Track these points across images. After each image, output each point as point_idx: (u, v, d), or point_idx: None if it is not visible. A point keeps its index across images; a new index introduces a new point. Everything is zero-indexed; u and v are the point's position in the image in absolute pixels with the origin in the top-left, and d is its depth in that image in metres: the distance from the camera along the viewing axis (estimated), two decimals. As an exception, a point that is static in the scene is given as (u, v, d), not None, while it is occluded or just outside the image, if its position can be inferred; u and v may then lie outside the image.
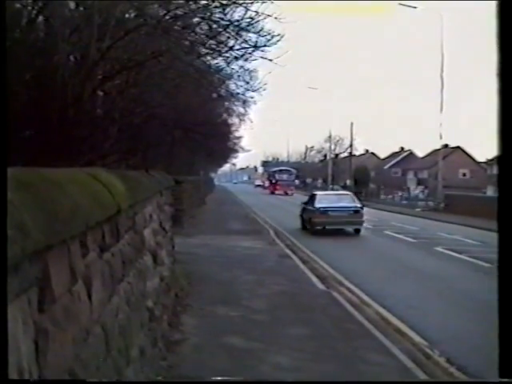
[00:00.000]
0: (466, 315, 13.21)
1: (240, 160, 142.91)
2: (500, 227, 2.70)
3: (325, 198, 32.68)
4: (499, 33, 2.47)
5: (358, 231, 31.28)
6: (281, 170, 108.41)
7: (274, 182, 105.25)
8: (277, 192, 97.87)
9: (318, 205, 30.98)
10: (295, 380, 7.67)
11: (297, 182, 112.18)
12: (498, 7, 2.48)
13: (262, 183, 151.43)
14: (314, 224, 30.77)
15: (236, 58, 11.78)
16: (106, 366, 3.98)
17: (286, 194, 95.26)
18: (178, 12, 10.04)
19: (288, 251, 22.21)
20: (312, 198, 33.14)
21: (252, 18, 9.91)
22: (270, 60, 11.38)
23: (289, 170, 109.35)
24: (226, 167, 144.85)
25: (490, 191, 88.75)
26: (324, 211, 30.47)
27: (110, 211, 4.31)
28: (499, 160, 2.65)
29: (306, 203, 33.38)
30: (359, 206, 31.98)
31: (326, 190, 73.82)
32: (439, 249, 24.81)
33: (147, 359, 6.36)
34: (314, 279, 16.13)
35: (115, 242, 4.78)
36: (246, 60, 11.96)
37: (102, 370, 3.83)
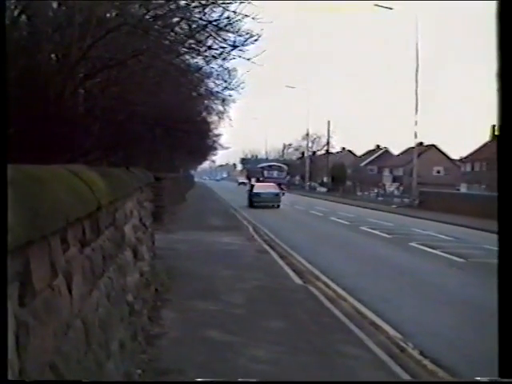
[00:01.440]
0: (439, 309, 13.41)
1: (219, 157, 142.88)
2: (500, 227, 2.76)
3: (259, 187, 55.38)
4: (499, 33, 2.50)
5: (278, 206, 51.67)
6: (270, 166, 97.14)
7: (261, 179, 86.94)
8: None
9: (254, 191, 53.23)
10: (300, 380, 7.76)
11: (287, 179, 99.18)
12: (498, 7, 2.52)
13: (246, 180, 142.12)
14: (253, 202, 51.59)
15: (214, 57, 11.88)
16: (86, 359, 4.02)
17: None
18: (158, 12, 10.14)
19: (266, 246, 22.33)
20: (252, 186, 56.33)
21: (230, 18, 10.03)
22: (248, 59, 11.51)
23: (279, 166, 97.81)
24: (206, 164, 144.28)
25: (464, 188, 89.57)
26: (258, 194, 52.18)
27: (91, 207, 4.39)
28: (499, 160, 2.71)
29: (250, 190, 55.31)
30: (278, 192, 54.41)
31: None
32: (414, 244, 25.08)
33: (127, 353, 6.47)
34: (292, 274, 16.26)
35: (95, 238, 4.84)
36: (224, 59, 12.09)
37: (82, 363, 3.86)
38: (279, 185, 79.60)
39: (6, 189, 2.20)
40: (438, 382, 8.47)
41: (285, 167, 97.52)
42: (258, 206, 49.66)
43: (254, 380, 7.41)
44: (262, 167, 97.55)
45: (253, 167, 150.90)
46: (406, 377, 8.36)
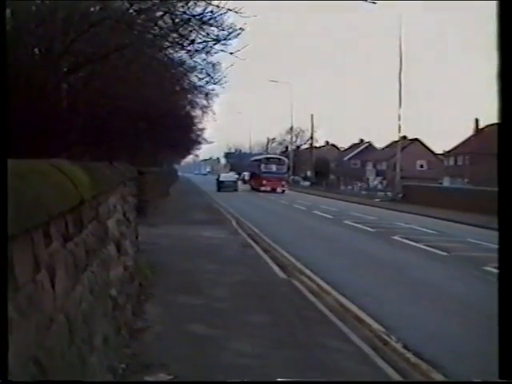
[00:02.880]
0: (422, 303, 13.49)
1: (203, 151, 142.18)
2: (500, 226, 2.73)
3: (223, 177, 78.68)
4: (499, 33, 2.50)
5: (235, 190, 72.09)
6: (268, 159, 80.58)
7: (258, 174, 76.77)
8: (262, 188, 72.51)
9: (220, 179, 75.75)
10: (302, 380, 7.79)
11: (288, 174, 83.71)
12: (498, 7, 2.52)
13: (237, 175, 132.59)
14: (220, 188, 72.06)
15: (197, 51, 11.89)
16: (70, 353, 4.02)
17: (274, 190, 71.77)
18: (142, 6, 10.13)
19: (250, 241, 22.34)
20: (218, 177, 78.05)
21: (213, 12, 10.03)
22: (231, 53, 11.53)
23: (279, 159, 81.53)
24: (190, 158, 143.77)
25: (447, 182, 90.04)
26: (222, 182, 74.45)
27: (73, 202, 4.38)
28: (499, 160, 2.69)
29: (217, 180, 76.89)
30: (235, 179, 78.90)
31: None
32: (397, 238, 25.22)
33: (111, 347, 6.47)
34: (275, 268, 16.28)
35: (78, 232, 4.83)
36: (207, 53, 12.10)
37: (66, 357, 3.86)
38: (279, 181, 73.95)
39: (5, 188, 2.19)
40: (439, 382, 8.50)
41: (285, 160, 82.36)
42: (223, 190, 71.38)
43: (254, 380, 7.43)
44: (258, 160, 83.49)
45: (243, 160, 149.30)
46: (389, 370, 8.41)
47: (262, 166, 76.76)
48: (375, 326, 11.02)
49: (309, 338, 9.70)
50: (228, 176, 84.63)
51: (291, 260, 18.31)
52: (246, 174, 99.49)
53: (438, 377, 8.43)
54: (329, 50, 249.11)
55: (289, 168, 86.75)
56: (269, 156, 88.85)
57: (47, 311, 3.50)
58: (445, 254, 20.67)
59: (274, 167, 76.56)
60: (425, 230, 29.58)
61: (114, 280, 7.42)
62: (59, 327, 3.79)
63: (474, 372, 8.81)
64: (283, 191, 72.35)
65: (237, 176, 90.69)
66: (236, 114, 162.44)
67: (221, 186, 74.66)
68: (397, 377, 8.13)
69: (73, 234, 4.55)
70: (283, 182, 75.20)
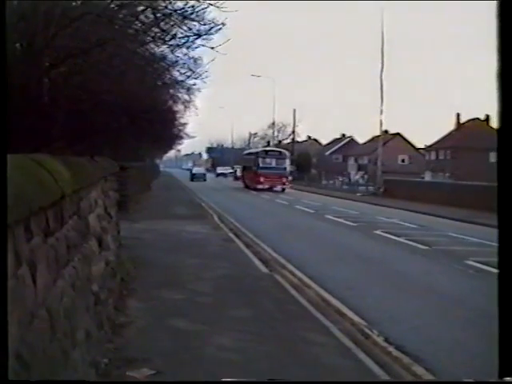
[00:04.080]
0: (403, 296, 13.57)
1: (185, 146, 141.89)
2: (500, 224, 2.72)
3: (195, 171, 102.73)
4: (499, 33, 2.48)
5: (204, 180, 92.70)
6: (267, 152, 69.12)
7: (254, 170, 64.91)
8: (259, 186, 62.41)
9: (193, 172, 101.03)
10: (302, 380, 7.79)
11: (290, 170, 69.13)
12: (498, 7, 2.49)
13: (226, 171, 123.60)
14: (192, 179, 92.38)
15: (178, 46, 11.89)
16: (51, 348, 4.04)
17: (271, 188, 62.59)
18: (124, 1, 10.12)
19: (232, 235, 22.34)
20: (191, 170, 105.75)
21: (194, 7, 10.03)
22: (212, 48, 11.53)
23: (279, 152, 69.33)
24: (172, 153, 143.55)
25: (428, 176, 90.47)
26: (194, 174, 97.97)
27: (54, 197, 4.38)
28: (499, 160, 2.58)
29: (190, 171, 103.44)
30: (204, 172, 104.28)
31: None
32: (378, 232, 25.31)
33: (93, 342, 6.48)
34: (257, 262, 16.30)
35: (59, 227, 4.83)
36: (188, 48, 12.10)
37: (47, 352, 3.89)
38: (280, 178, 63.33)
39: (5, 187, 2.19)
40: (438, 382, 8.52)
41: (286, 153, 69.40)
42: (195, 180, 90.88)
43: (254, 380, 7.46)
44: (254, 153, 71.31)
45: (225, 154, 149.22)
46: (371, 363, 8.45)
47: (260, 160, 65.05)
48: (357, 319, 11.06)
49: (291, 332, 9.74)
50: (198, 169, 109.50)
51: (273, 254, 18.34)
52: (238, 170, 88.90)
53: (419, 370, 8.46)
54: (311, 45, 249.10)
55: (292, 162, 73.42)
56: (268, 149, 77.83)
57: (29, 306, 3.51)
58: (426, 247, 20.78)
59: (273, 162, 65.08)
60: (406, 224, 29.72)
61: (96, 275, 7.42)
62: (41, 322, 3.80)
63: (454, 364, 8.89)
64: (283, 189, 63.10)
65: (204, 170, 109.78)
66: (218, 109, 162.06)
67: (193, 177, 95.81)
68: (377, 369, 8.17)
69: (54, 229, 4.55)
70: (284, 179, 64.33)
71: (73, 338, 5.06)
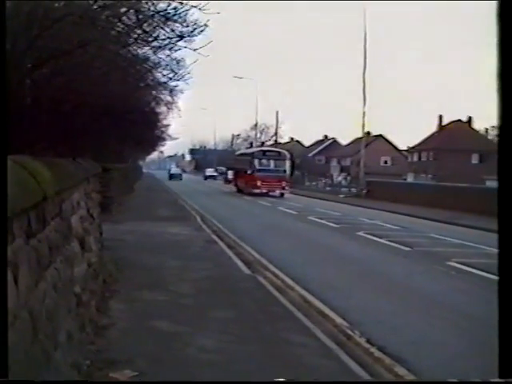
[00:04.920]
0: (385, 297, 13.62)
1: (168, 148, 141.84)
2: (500, 226, 2.71)
3: (173, 171, 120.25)
4: (499, 33, 2.50)
5: (180, 179, 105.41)
6: (264, 153, 61.01)
7: (250, 172, 57.48)
8: (256, 190, 55.42)
9: (171, 172, 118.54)
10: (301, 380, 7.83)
11: (288, 172, 59.18)
12: (498, 7, 2.51)
13: (215, 173, 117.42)
14: (170, 178, 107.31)
15: (160, 48, 11.89)
16: (33, 349, 4.06)
17: (267, 193, 55.93)
18: (106, 1, 10.10)
19: (214, 237, 22.30)
20: (169, 170, 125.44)
21: (176, 8, 10.04)
22: (195, 50, 11.54)
23: (278, 153, 61.67)
24: (154, 155, 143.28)
25: (411, 178, 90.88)
26: (172, 174, 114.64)
27: (36, 198, 4.38)
28: (499, 160, 2.67)
29: (169, 172, 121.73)
30: (181, 172, 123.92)
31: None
32: (361, 233, 25.40)
33: (75, 343, 6.48)
34: (240, 264, 16.30)
35: (42, 229, 4.83)
36: (170, 49, 12.10)
37: (29, 353, 3.90)
38: (279, 181, 56.27)
39: (5, 185, 2.20)
40: (439, 382, 8.56)
41: (286, 153, 61.18)
42: (172, 179, 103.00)
43: (254, 380, 7.47)
44: (250, 154, 62.91)
45: (207, 156, 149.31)
46: (353, 364, 8.48)
47: (256, 161, 57.69)
48: (339, 320, 11.09)
49: (273, 333, 9.76)
50: (176, 169, 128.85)
51: (256, 256, 18.35)
52: (230, 173, 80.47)
53: (401, 370, 8.49)
54: (294, 46, 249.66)
55: (293, 164, 62.80)
56: (265, 148, 70.60)
57: (11, 308, 3.47)
58: (408, 249, 20.88)
59: (271, 163, 57.95)
60: (388, 225, 29.84)
61: (78, 277, 7.42)
62: (23, 324, 3.80)
63: (436, 365, 8.95)
64: (282, 194, 56.76)
65: (180, 171, 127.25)
66: (201, 110, 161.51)
67: (171, 176, 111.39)
68: (359, 370, 8.21)
69: (36, 231, 4.55)
70: (283, 183, 57.13)
71: (54, 340, 5.06)
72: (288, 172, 58.71)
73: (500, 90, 2.53)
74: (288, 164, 58.87)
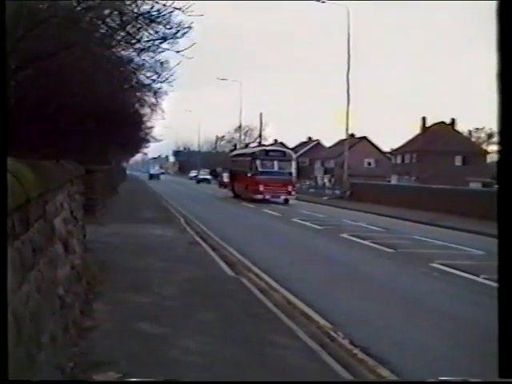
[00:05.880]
0: (369, 298, 13.67)
1: (152, 149, 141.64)
2: (500, 228, 2.73)
3: (152, 172, 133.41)
4: (499, 33, 2.48)
5: (159, 178, 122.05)
6: (267, 152, 53.28)
7: (250, 175, 50.31)
8: (258, 196, 48.46)
9: (150, 173, 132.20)
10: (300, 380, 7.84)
11: (294, 174, 51.75)
12: (498, 7, 2.48)
13: (209, 176, 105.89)
14: (150, 178, 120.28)
15: (144, 50, 11.91)
16: (17, 351, 4.06)
17: (266, 199, 48.35)
18: (90, 3, 10.10)
19: (198, 239, 22.27)
20: (148, 171, 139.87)
21: (160, 11, 10.07)
22: (178, 52, 11.58)
23: (283, 152, 55.34)
24: (138, 157, 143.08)
25: (394, 180, 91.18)
26: (152, 175, 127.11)
27: (19, 200, 4.38)
28: (499, 160, 2.63)
29: (148, 173, 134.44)
30: (160, 173, 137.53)
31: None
32: (345, 235, 25.46)
33: (59, 345, 6.47)
34: (224, 266, 16.30)
35: (25, 231, 4.82)
36: (154, 51, 12.13)
37: (13, 355, 3.90)
38: (284, 185, 49.10)
39: (5, 183, 2.21)
40: (439, 382, 8.57)
41: (291, 153, 55.58)
42: (152, 179, 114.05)
43: (254, 380, 7.48)
44: (250, 154, 54.75)
45: (191, 158, 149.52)
46: (336, 365, 8.50)
47: (258, 162, 50.36)
48: (322, 322, 11.12)
49: (256, 334, 9.78)
50: (155, 170, 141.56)
51: (239, 257, 18.37)
52: (225, 176, 72.36)
53: (384, 372, 8.54)
54: (278, 48, 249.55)
55: (298, 165, 57.57)
56: (268, 148, 62.38)
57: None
58: (392, 250, 20.96)
59: (276, 164, 50.55)
60: (372, 227, 29.95)
61: (62, 279, 7.40)
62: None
63: (419, 366, 9.00)
64: (287, 200, 49.24)
65: (159, 172, 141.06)
66: (185, 112, 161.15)
67: (151, 176, 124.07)
68: (342, 371, 8.23)
69: (19, 233, 4.54)
70: (289, 188, 49.70)
71: (38, 342, 5.05)
72: (294, 174, 51.73)
73: (500, 90, 2.53)
74: (294, 165, 52.13)
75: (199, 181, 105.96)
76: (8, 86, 2.29)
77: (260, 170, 49.65)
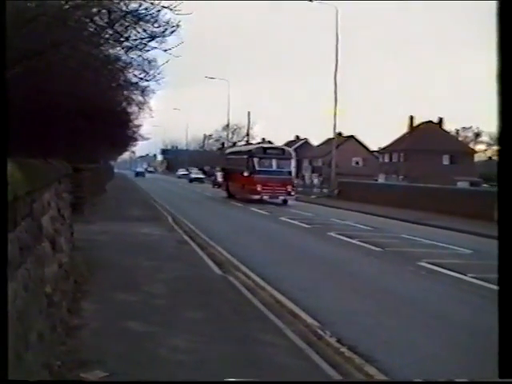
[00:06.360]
0: (356, 297, 13.70)
1: (139, 148, 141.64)
2: (500, 228, 2.72)
3: (137, 170, 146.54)
4: (499, 33, 2.51)
5: (144, 176, 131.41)
6: (265, 150, 50.46)
7: (247, 174, 47.34)
8: (255, 196, 45.82)
9: (136, 170, 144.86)
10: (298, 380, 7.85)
11: (293, 174, 50.95)
12: (498, 7, 2.53)
13: (202, 175, 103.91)
14: (136, 175, 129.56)
15: (131, 48, 11.89)
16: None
17: (263, 200, 45.94)
18: (78, 1, 10.08)
19: (186, 237, 22.24)
20: (135, 170, 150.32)
21: (148, 9, 10.07)
22: (165, 50, 11.58)
23: (283, 150, 51.79)
24: (126, 155, 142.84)
25: (382, 179, 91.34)
26: (137, 173, 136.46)
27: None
28: (499, 160, 2.68)
29: (134, 171, 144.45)
30: (144, 170, 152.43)
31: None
32: (332, 234, 25.48)
33: (46, 344, 6.47)
34: (212, 264, 16.30)
35: (12, 229, 4.83)
36: (141, 50, 12.12)
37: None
38: (283, 185, 46.53)
39: (5, 182, 2.21)
40: (438, 382, 8.57)
41: (290, 151, 52.31)
42: (137, 177, 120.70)
43: (254, 380, 7.48)
44: (247, 152, 51.83)
45: (179, 156, 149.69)
46: (323, 364, 8.52)
47: (256, 161, 47.61)
48: (310, 320, 11.12)
49: (244, 333, 9.79)
50: (140, 169, 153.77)
51: (227, 256, 18.35)
52: (219, 175, 69.84)
53: (372, 370, 8.54)
54: (265, 47, 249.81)
55: (298, 164, 53.50)
56: (266, 145, 58.81)
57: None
58: (379, 249, 20.99)
59: (274, 163, 47.82)
60: (360, 226, 29.99)
61: (49, 277, 7.39)
62: (-7, 324, 3.78)
63: (407, 364, 9.03)
64: (286, 201, 46.96)
65: (143, 170, 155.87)
66: (173, 111, 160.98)
67: (137, 174, 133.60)
68: (330, 370, 8.25)
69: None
70: (289, 187, 47.10)
71: (26, 341, 5.05)
72: (293, 174, 50.14)
73: (500, 90, 2.54)
74: (293, 164, 50.10)
75: (191, 180, 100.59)
76: (7, 87, 2.31)
77: (258, 168, 46.99)
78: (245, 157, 49.27)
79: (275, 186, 45.92)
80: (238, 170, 49.83)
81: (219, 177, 68.43)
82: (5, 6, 2.41)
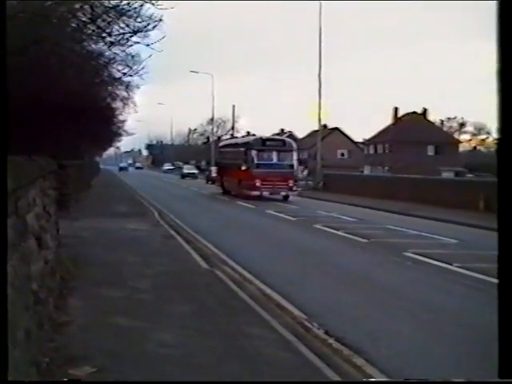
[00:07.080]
0: (343, 289, 13.77)
1: (124, 143, 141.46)
2: (500, 225, 2.71)
3: (121, 165, 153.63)
4: (499, 33, 2.51)
5: (127, 171, 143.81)
6: (264, 142, 45.88)
7: (245, 168, 43.50)
8: (254, 193, 42.90)
9: (120, 166, 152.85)
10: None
11: (295, 167, 45.76)
12: (498, 7, 2.52)
13: (194, 170, 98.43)
14: (120, 170, 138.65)
15: (113, 43, 11.87)
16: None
17: (263, 196, 43.39)
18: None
19: (172, 232, 22.27)
20: (119, 165, 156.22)
21: (130, 3, 10.05)
22: (147, 45, 11.57)
23: (283, 142, 48.14)
24: (111, 151, 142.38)
25: (367, 170, 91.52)
26: (121, 168, 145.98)
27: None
28: (499, 160, 2.68)
29: (118, 166, 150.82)
30: (128, 165, 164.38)
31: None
32: (318, 226, 25.55)
33: (33, 341, 6.46)
34: (198, 258, 16.30)
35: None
36: (123, 45, 12.09)
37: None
38: (284, 179, 43.13)
39: (5, 187, 2.22)
40: (439, 382, 8.59)
41: (292, 143, 47.82)
42: (121, 171, 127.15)
43: (254, 380, 7.49)
44: (244, 144, 48.02)
45: (164, 151, 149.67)
46: (311, 355, 8.55)
47: (254, 153, 43.70)
48: (297, 313, 11.16)
49: (232, 326, 9.80)
50: (124, 164, 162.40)
51: (214, 250, 18.37)
52: (213, 170, 66.00)
53: (359, 361, 8.59)
54: (249, 40, 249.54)
55: (299, 158, 50.14)
56: (266, 137, 51.11)
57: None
58: (365, 240, 21.07)
59: (274, 156, 44.21)
60: (345, 217, 30.06)
61: (35, 274, 7.38)
62: (-20, 322, 3.78)
63: (394, 355, 9.09)
64: (287, 197, 43.83)
65: (127, 165, 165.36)
66: (157, 106, 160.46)
67: (120, 169, 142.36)
68: (318, 361, 8.29)
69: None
70: (290, 182, 43.85)
71: (13, 338, 5.05)
72: (295, 167, 45.82)
73: (500, 90, 2.55)
74: (295, 156, 45.40)
75: (184, 175, 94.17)
76: (7, 86, 2.30)
77: (256, 162, 43.36)
78: (242, 149, 45.86)
79: (276, 180, 42.83)
80: (234, 164, 46.47)
81: (213, 172, 64.88)
82: (5, 6, 2.41)
